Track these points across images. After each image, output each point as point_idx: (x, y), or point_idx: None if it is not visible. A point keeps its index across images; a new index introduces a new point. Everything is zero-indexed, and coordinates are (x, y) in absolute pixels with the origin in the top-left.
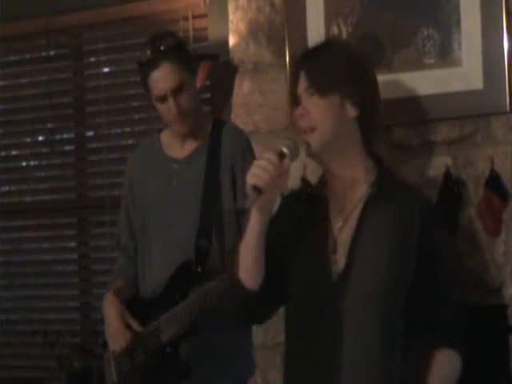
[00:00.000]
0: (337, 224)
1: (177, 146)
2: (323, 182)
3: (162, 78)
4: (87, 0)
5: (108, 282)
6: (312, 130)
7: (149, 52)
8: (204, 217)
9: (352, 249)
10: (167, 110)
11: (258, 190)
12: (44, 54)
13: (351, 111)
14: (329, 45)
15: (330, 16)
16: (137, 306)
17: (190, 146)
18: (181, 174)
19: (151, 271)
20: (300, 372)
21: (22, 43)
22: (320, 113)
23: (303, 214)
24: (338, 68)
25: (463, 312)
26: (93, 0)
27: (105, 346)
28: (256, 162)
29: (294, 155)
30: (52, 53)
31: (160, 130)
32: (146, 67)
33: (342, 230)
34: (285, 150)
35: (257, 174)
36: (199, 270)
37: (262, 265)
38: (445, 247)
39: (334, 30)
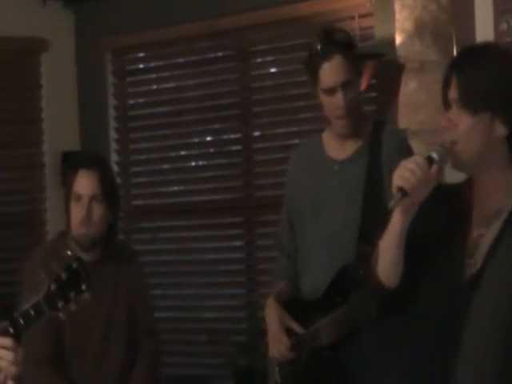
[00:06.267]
0: (478, 230)
1: (337, 147)
2: (469, 183)
3: (334, 70)
4: (252, 1)
5: (270, 282)
6: (454, 144)
7: (322, 43)
8: (365, 220)
9: (488, 256)
10: (333, 103)
11: (403, 192)
12: (211, 55)
13: (501, 130)
14: (485, 53)
15: (499, 13)
16: (298, 307)
17: (351, 147)
18: (341, 175)
19: (310, 271)
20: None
21: (188, 45)
22: (467, 130)
23: (447, 210)
24: (490, 84)
25: None
26: (258, 1)
27: None
28: (404, 164)
29: (443, 162)
30: (219, 54)
31: (322, 131)
32: (318, 57)
33: (483, 237)
34: (434, 155)
35: (404, 176)
36: (362, 273)
37: (401, 263)
38: None
39: (503, 28)
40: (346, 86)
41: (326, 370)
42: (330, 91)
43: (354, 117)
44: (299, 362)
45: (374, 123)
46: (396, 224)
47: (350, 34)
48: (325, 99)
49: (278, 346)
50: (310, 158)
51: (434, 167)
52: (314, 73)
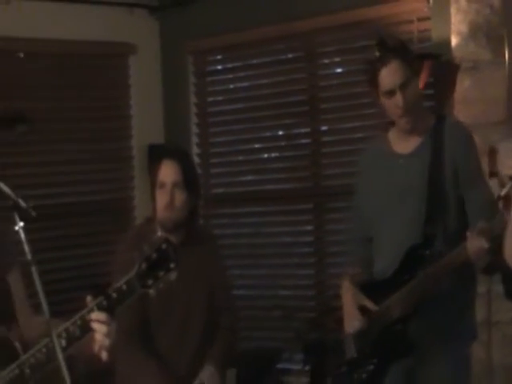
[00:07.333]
0: None
1: (402, 142)
2: None
3: (392, 73)
4: (319, 6)
5: (344, 264)
6: None
7: (378, 51)
8: (430, 206)
9: None
10: (394, 104)
11: None
12: (282, 57)
13: None
14: None
15: None
16: (371, 287)
17: (415, 141)
18: (407, 167)
19: (381, 255)
20: None
21: (262, 48)
22: None
23: None
24: None
25: None
26: (325, 6)
27: (338, 320)
28: None
29: None
30: (289, 56)
31: (388, 128)
32: (376, 64)
33: None
34: None
35: None
36: (427, 252)
37: None
38: None
39: None
40: (403, 87)
41: (397, 342)
42: (390, 93)
43: (414, 113)
44: (373, 336)
45: (436, 117)
46: None
47: (402, 39)
48: (385, 101)
49: (352, 322)
50: (377, 153)
51: None
52: (373, 78)
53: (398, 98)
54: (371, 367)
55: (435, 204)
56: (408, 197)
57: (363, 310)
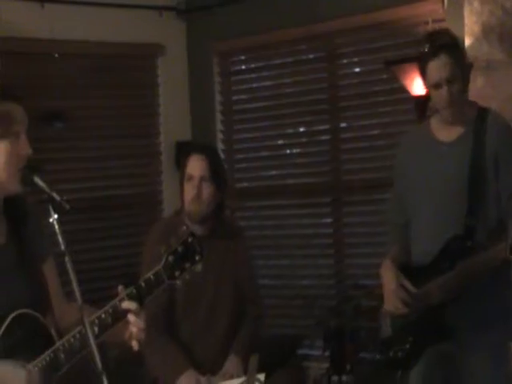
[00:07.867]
0: None
1: (445, 131)
2: None
3: (439, 67)
4: (339, 9)
5: (387, 251)
6: None
7: (429, 44)
8: (472, 197)
9: None
10: (439, 96)
11: None
12: (303, 57)
13: None
14: None
15: None
16: (410, 271)
17: (457, 130)
18: (449, 156)
19: (419, 241)
20: None
21: (284, 49)
22: None
23: None
24: None
25: None
26: (344, 9)
27: (356, 308)
28: None
29: None
30: (310, 56)
31: (429, 116)
32: (426, 57)
33: None
34: None
35: None
36: (469, 244)
37: None
38: None
39: None
40: (450, 81)
41: (434, 327)
42: (436, 86)
43: (458, 106)
44: (410, 318)
45: (478, 109)
46: None
47: (453, 35)
48: (432, 92)
49: (393, 300)
50: (419, 140)
51: None
52: (422, 70)
53: (444, 92)
54: (407, 346)
55: (476, 195)
56: (449, 185)
57: (403, 291)
